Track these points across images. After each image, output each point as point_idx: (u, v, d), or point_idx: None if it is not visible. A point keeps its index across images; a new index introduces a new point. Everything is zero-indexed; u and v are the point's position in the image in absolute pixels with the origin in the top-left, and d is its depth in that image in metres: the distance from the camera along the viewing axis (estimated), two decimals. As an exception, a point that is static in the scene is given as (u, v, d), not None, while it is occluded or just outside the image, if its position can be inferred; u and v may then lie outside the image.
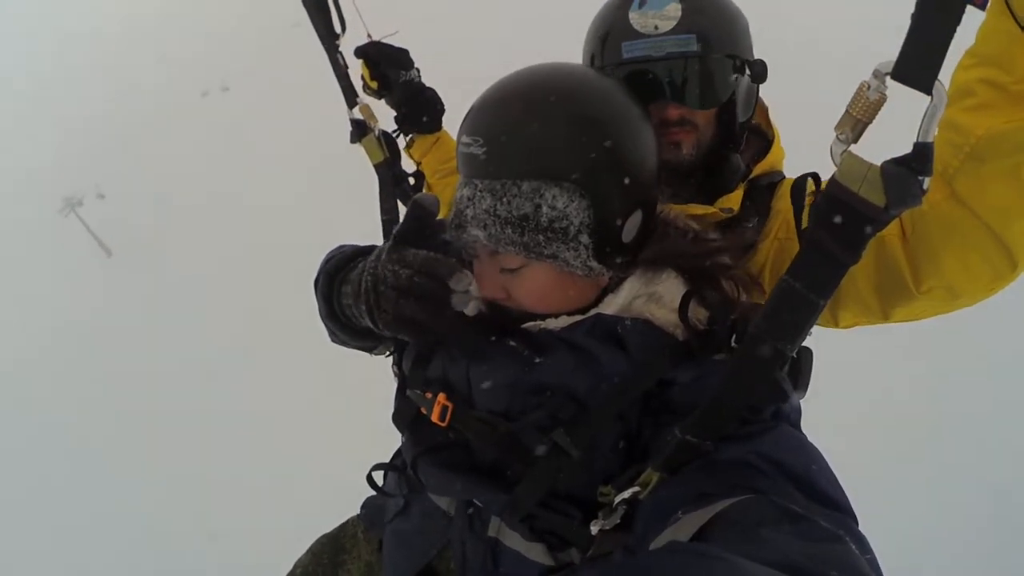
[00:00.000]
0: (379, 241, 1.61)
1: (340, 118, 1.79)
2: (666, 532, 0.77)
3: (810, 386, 1.06)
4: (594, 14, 1.49)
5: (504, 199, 0.99)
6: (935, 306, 1.19)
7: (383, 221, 1.73)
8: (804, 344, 1.00)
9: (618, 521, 0.92)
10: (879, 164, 0.73)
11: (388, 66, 1.82)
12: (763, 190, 1.43)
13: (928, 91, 0.68)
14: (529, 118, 0.99)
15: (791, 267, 0.81)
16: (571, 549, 1.01)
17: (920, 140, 0.70)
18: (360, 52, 1.81)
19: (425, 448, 1.13)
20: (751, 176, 1.47)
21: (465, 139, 1.03)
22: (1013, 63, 0.90)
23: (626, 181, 1.02)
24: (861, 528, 0.76)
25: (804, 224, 1.23)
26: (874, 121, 0.76)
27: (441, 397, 1.09)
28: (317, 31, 1.69)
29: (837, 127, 0.77)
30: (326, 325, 1.22)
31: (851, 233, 0.75)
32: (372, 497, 1.39)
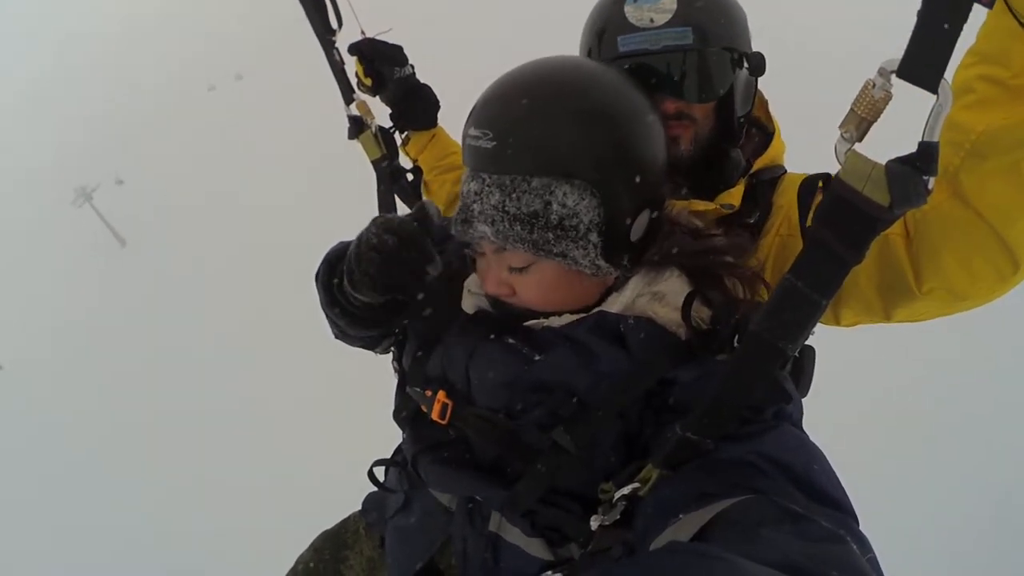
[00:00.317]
0: None
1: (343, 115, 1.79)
2: (667, 532, 0.77)
3: (812, 385, 1.06)
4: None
5: (513, 195, 0.97)
6: (937, 307, 1.18)
7: None
8: (807, 343, 0.99)
9: (618, 517, 0.92)
10: (883, 163, 0.72)
11: (382, 63, 1.81)
12: (764, 185, 1.42)
13: (934, 90, 0.67)
14: (541, 113, 0.98)
15: (793, 266, 0.80)
16: (571, 544, 1.01)
17: (925, 139, 0.69)
18: (354, 49, 1.80)
19: (426, 445, 1.13)
20: (752, 171, 1.46)
21: (473, 131, 1.01)
22: (1011, 58, 0.90)
23: (637, 179, 1.01)
24: (862, 527, 0.76)
25: (809, 223, 1.23)
26: (879, 120, 0.75)
27: (441, 395, 1.09)
28: (314, 28, 1.69)
29: (841, 125, 0.76)
30: (328, 315, 1.23)
31: (855, 232, 0.75)
32: (373, 493, 1.39)
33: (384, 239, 0.99)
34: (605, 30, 1.37)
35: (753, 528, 0.68)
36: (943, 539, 6.01)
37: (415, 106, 1.87)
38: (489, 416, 1.04)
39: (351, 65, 1.81)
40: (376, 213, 1.77)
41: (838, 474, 0.85)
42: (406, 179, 1.86)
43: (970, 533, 6.12)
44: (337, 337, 1.36)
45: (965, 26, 0.65)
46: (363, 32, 1.82)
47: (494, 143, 0.98)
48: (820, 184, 1.29)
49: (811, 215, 0.80)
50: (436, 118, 1.94)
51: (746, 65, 1.37)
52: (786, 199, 1.36)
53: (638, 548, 0.86)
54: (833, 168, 0.78)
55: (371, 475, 1.30)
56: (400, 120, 1.90)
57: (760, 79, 1.47)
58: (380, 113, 1.83)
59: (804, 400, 1.07)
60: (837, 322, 1.36)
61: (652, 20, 1.31)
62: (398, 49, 1.82)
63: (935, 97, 0.68)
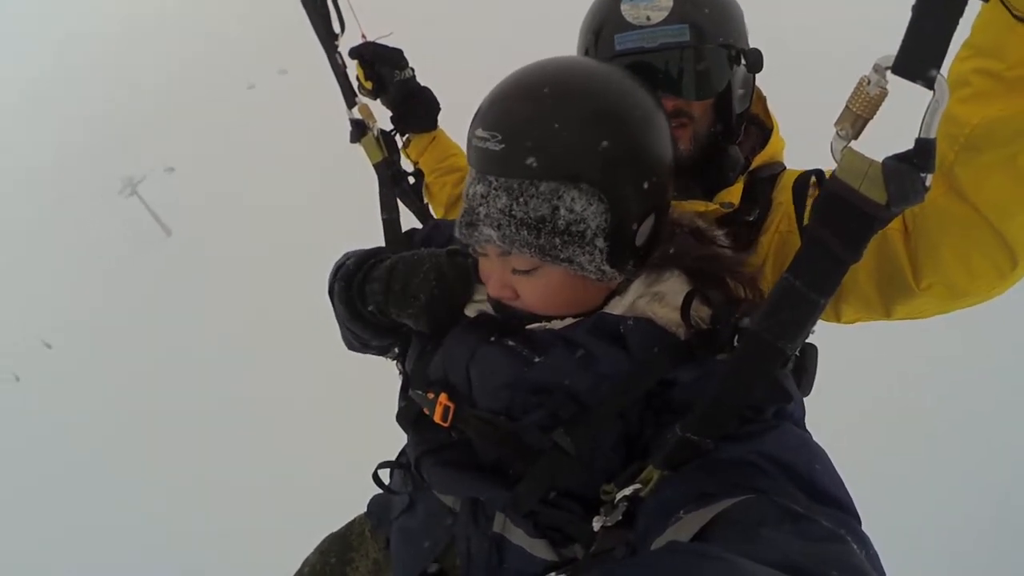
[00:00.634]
0: (380, 242, 1.62)
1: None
2: (667, 532, 0.77)
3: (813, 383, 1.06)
4: None
5: (521, 199, 0.96)
6: (937, 304, 1.17)
7: (383, 220, 1.73)
8: (809, 341, 0.98)
9: (620, 517, 0.92)
10: (880, 160, 0.72)
11: (382, 66, 1.82)
12: (764, 182, 1.42)
13: (930, 85, 0.66)
14: (550, 116, 0.95)
15: (791, 265, 0.80)
16: (574, 545, 1.01)
17: (922, 136, 0.69)
18: (354, 53, 1.81)
19: (429, 447, 1.14)
20: (751, 168, 1.45)
21: (480, 132, 0.99)
22: (1006, 50, 0.89)
23: (645, 185, 1.00)
24: (864, 527, 0.76)
25: (806, 221, 1.22)
26: (875, 117, 0.74)
27: (443, 397, 1.09)
28: (316, 31, 1.69)
29: (837, 123, 0.75)
30: (349, 329, 1.26)
31: (852, 231, 0.74)
32: (379, 495, 1.40)
33: (444, 273, 1.15)
34: (602, 28, 1.37)
35: (753, 528, 0.67)
36: (943, 539, 5.99)
37: (415, 109, 1.88)
38: (490, 418, 1.04)
39: (352, 68, 1.81)
40: (377, 214, 1.78)
41: (840, 472, 0.85)
42: (408, 182, 1.87)
43: (970, 533, 6.10)
44: (351, 348, 1.38)
45: (960, 20, 0.64)
46: (364, 36, 1.82)
47: (503, 145, 0.96)
48: (813, 180, 1.29)
49: (807, 213, 0.80)
50: (436, 121, 1.95)
51: (743, 61, 1.36)
52: (785, 196, 1.36)
53: (639, 547, 0.86)
54: (832, 165, 0.77)
55: (376, 477, 1.31)
56: (401, 123, 1.91)
57: (759, 77, 1.47)
58: (381, 117, 1.84)
59: (806, 398, 1.06)
60: (838, 319, 1.36)
61: (649, 18, 1.31)
62: (398, 52, 1.84)
63: (931, 93, 0.67)
